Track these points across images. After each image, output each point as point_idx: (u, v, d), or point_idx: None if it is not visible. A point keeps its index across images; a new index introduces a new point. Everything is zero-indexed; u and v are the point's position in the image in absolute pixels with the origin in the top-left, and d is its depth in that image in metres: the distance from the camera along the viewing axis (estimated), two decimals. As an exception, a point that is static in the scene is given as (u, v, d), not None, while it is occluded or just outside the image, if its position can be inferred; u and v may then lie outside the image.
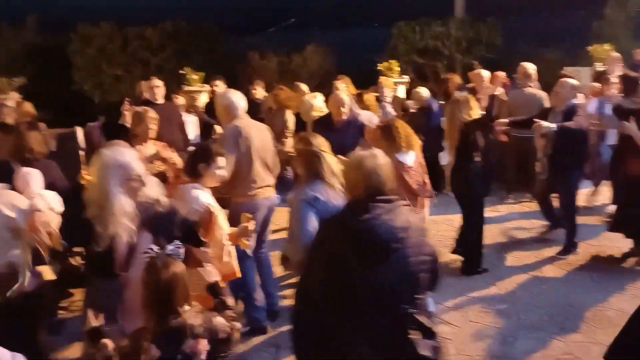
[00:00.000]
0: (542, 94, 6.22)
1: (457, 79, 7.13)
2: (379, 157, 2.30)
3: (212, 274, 2.82)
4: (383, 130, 4.17)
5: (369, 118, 5.17)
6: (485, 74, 6.83)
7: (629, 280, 4.79)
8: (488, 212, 5.55)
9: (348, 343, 2.17)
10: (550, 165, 5.39)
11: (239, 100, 4.32)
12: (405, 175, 4.01)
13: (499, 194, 6.92)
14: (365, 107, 5.84)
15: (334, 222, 2.30)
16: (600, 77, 6.92)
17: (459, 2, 12.21)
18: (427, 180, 4.32)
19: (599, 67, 7.93)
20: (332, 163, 3.16)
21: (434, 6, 13.36)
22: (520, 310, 4.37)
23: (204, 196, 3.17)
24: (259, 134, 4.20)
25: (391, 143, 4.00)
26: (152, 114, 4.56)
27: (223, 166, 3.34)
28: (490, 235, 5.53)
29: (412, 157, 4.15)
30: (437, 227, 6.03)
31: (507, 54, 13.30)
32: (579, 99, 5.71)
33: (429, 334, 2.20)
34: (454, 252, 5.28)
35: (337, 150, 3.43)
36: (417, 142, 4.25)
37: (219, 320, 2.26)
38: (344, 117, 4.89)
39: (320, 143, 3.26)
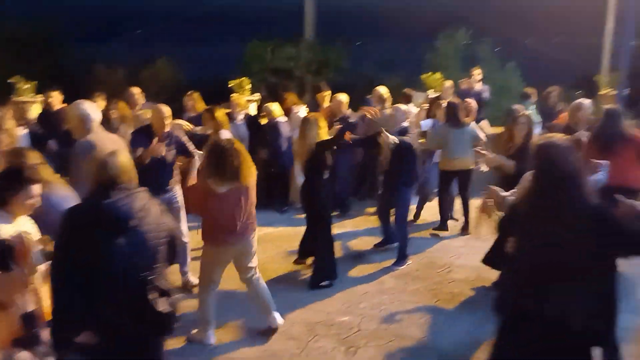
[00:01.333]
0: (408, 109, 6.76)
1: (293, 97, 7.76)
2: (119, 155, 2.77)
3: (29, 303, 2.55)
4: (211, 159, 4.05)
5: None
6: (344, 97, 7.17)
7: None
8: (336, 227, 5.82)
9: (104, 306, 2.58)
10: (385, 182, 5.84)
11: (93, 112, 4.14)
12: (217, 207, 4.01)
13: (347, 208, 7.29)
14: (216, 123, 5.79)
15: (82, 206, 2.75)
16: (434, 102, 7.63)
17: (309, 26, 12.69)
18: (252, 214, 4.24)
19: (432, 93, 8.73)
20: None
21: (286, 28, 13.75)
22: (362, 321, 4.59)
23: (5, 229, 2.77)
24: (114, 147, 3.96)
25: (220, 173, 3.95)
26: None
27: (37, 195, 2.92)
28: (337, 248, 5.75)
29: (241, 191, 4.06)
30: (287, 240, 6.17)
31: (354, 77, 14.17)
32: (413, 119, 6.34)
33: (166, 294, 2.74)
34: (296, 262, 5.66)
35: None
36: (250, 172, 4.09)
37: (22, 357, 2.06)
38: (166, 129, 4.91)
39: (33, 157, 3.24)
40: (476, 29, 15.67)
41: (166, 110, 4.91)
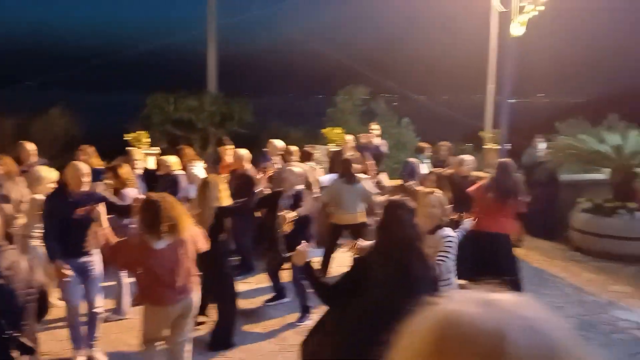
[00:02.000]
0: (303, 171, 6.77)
1: (190, 151, 7.59)
2: None
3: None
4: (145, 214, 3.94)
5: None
6: (244, 152, 7.15)
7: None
8: (240, 284, 5.70)
9: None
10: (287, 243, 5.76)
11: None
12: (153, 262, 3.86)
13: (250, 266, 7.16)
14: (121, 181, 5.57)
15: None
16: (335, 156, 7.87)
17: (212, 78, 12.73)
18: (192, 269, 4.11)
19: (332, 147, 9.00)
20: None
21: (188, 80, 13.70)
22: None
23: None
24: None
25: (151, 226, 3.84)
26: None
27: None
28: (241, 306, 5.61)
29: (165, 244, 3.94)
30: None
31: (258, 130, 14.30)
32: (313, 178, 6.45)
33: (30, 351, 2.71)
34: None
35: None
36: (187, 225, 3.98)
37: None
38: (84, 188, 4.58)
39: None
40: (373, 86, 16.57)
41: (84, 167, 4.62)
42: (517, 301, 0.83)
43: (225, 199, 5.08)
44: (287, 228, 5.57)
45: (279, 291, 6.13)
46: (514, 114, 10.31)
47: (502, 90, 9.95)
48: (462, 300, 0.83)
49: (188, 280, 4.00)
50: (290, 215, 5.48)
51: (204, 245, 4.22)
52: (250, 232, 7.17)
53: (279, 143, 7.43)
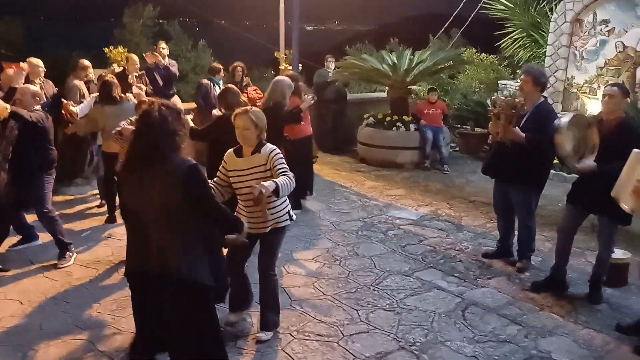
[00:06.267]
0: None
1: None
2: None
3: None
4: None
5: None
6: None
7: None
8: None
9: None
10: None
11: None
12: None
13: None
14: None
15: None
16: (121, 76, 7.23)
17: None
18: None
19: (117, 68, 8.26)
20: None
21: None
22: (45, 319, 4.12)
23: None
24: None
25: None
26: None
27: None
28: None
29: None
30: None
31: (33, 56, 12.55)
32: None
33: None
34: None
35: None
36: None
37: None
38: None
39: None
40: (168, 7, 15.56)
41: None
42: None
43: None
44: None
45: (25, 231, 5.49)
46: (311, 39, 10.57)
47: (292, 15, 10.08)
48: None
49: None
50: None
51: None
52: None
53: (38, 62, 6.58)
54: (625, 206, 3.69)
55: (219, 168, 3.75)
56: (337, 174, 8.54)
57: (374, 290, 4.65)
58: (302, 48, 10.96)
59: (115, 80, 6.17)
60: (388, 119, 9.12)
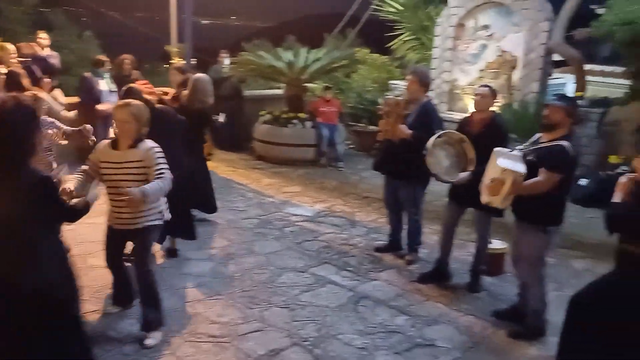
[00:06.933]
0: None
1: None
2: None
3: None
4: None
5: None
6: None
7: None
8: None
9: None
10: None
11: None
12: None
13: None
14: None
15: None
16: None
17: None
18: None
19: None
20: None
21: None
22: None
23: None
24: None
25: None
26: None
27: None
28: None
29: None
30: None
31: None
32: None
33: None
34: None
35: None
36: None
37: None
38: None
39: None
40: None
41: None
42: None
43: None
44: None
45: None
46: (208, 34, 10.30)
47: (185, 8, 9.75)
48: None
49: None
50: None
51: None
52: None
53: None
54: (483, 199, 3.96)
55: (89, 156, 3.64)
56: (234, 172, 8.43)
57: (268, 287, 4.64)
58: (197, 43, 10.64)
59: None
60: (284, 116, 9.15)
